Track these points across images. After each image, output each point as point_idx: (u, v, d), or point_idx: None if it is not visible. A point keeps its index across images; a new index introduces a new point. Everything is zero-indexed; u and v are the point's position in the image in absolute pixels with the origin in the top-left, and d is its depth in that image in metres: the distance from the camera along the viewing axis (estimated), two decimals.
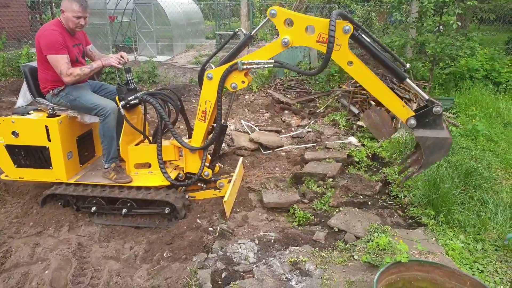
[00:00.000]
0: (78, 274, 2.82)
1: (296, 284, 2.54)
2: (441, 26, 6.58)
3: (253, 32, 3.18)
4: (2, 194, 3.93)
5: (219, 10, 17.31)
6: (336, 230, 3.19)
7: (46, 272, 2.79)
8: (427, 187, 3.59)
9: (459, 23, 5.85)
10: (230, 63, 3.11)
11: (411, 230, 3.18)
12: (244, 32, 3.31)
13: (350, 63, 2.79)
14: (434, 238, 3.04)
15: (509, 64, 7.95)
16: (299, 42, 2.92)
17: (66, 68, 3.26)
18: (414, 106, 6.09)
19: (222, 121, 3.40)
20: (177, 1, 14.39)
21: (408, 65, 2.89)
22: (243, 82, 3.16)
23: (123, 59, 3.53)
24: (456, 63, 7.70)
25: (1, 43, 9.24)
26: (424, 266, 2.40)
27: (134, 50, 12.98)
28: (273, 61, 3.02)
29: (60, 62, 3.26)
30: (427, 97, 2.81)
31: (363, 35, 2.74)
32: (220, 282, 2.59)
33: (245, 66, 3.05)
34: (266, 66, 3.05)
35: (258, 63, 3.03)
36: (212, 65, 3.31)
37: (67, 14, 3.32)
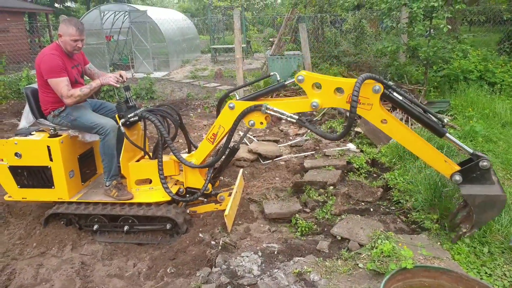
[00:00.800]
0: None
1: None
2: (432, 30, 6.68)
3: (287, 82, 3.18)
4: (5, 216, 3.94)
5: (213, 25, 17.51)
6: (339, 238, 3.19)
7: None
8: (428, 191, 3.60)
9: (449, 27, 5.93)
10: (256, 103, 3.13)
11: (415, 235, 3.17)
12: (278, 78, 3.33)
13: (384, 121, 2.81)
14: (439, 243, 3.02)
15: (503, 64, 8.02)
16: (329, 104, 2.98)
17: (66, 90, 3.31)
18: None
19: (235, 144, 3.55)
20: (172, 18, 14.58)
21: (446, 120, 2.87)
22: (261, 123, 3.18)
23: (121, 78, 3.58)
24: (449, 66, 7.78)
25: (2, 67, 9.32)
26: (431, 272, 2.39)
27: (131, 67, 13.11)
28: (297, 117, 3.04)
29: (61, 85, 3.31)
30: (471, 151, 2.77)
31: (394, 94, 2.77)
32: None
33: (268, 111, 3.07)
34: (289, 119, 3.06)
35: (282, 114, 3.04)
36: (237, 95, 3.36)
37: (65, 38, 3.38)
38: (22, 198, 3.67)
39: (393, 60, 7.59)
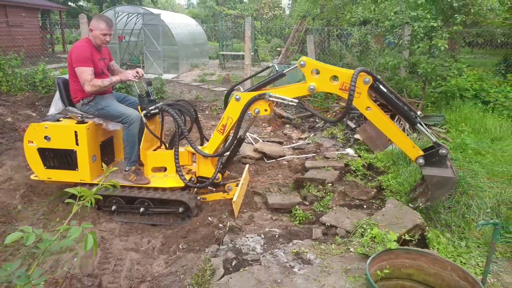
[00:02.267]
0: (103, 262, 3.15)
1: (299, 270, 2.88)
2: (431, 48, 7.08)
3: (285, 71, 3.61)
4: (29, 195, 4.29)
5: (222, 32, 18.00)
6: (328, 225, 3.54)
7: (75, 259, 3.12)
8: None
9: (447, 46, 6.34)
10: (259, 92, 3.53)
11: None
12: (277, 68, 3.75)
13: (368, 108, 3.28)
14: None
15: (497, 85, 8.44)
16: (324, 88, 3.40)
17: (89, 79, 3.68)
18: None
19: (241, 135, 3.85)
20: (183, 22, 15.07)
21: (419, 113, 3.40)
22: (266, 110, 3.57)
23: (138, 74, 3.96)
24: (447, 83, 8.19)
25: (20, 60, 9.73)
26: (411, 254, 2.74)
27: (141, 68, 13.54)
28: (297, 100, 3.46)
29: (85, 73, 3.68)
30: (434, 140, 3.28)
31: (381, 86, 3.23)
32: (231, 269, 2.92)
33: (271, 98, 3.47)
34: (290, 103, 3.49)
35: (283, 99, 3.46)
36: (241, 88, 3.74)
37: (95, 32, 3.78)
38: (47, 178, 4.03)
39: (394, 74, 8.00)
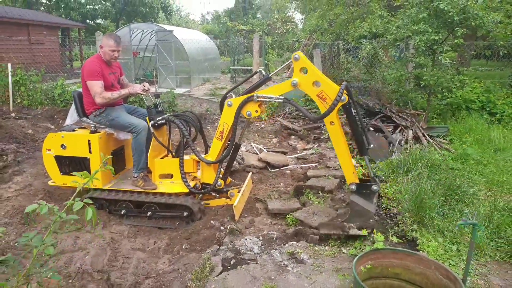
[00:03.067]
0: (112, 260, 3.39)
1: (292, 269, 3.05)
2: (439, 60, 7.23)
3: (270, 74, 3.87)
4: (47, 200, 4.58)
5: (234, 47, 18.45)
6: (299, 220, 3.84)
7: (87, 257, 3.37)
8: (412, 199, 4.09)
9: (447, 59, 6.49)
10: (248, 95, 3.78)
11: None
12: (264, 73, 4.00)
13: (332, 123, 3.52)
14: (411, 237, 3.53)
15: (505, 97, 8.50)
16: (304, 88, 3.59)
17: (100, 91, 3.99)
18: (410, 132, 6.67)
19: (237, 140, 4.03)
20: (195, 38, 15.56)
21: (371, 146, 3.71)
22: (256, 111, 3.80)
23: (145, 88, 4.25)
24: (453, 95, 8.30)
25: (40, 76, 10.25)
26: (398, 254, 2.89)
27: (155, 82, 14.01)
28: (282, 97, 3.69)
29: (95, 86, 4.00)
30: (372, 174, 3.58)
31: (352, 109, 3.46)
32: (229, 267, 3.12)
33: (259, 99, 3.71)
34: (276, 100, 3.71)
35: (270, 98, 3.69)
36: (233, 95, 3.99)
37: (105, 48, 4.11)
38: (63, 184, 4.33)
39: (399, 87, 8.15)
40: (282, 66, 4.06)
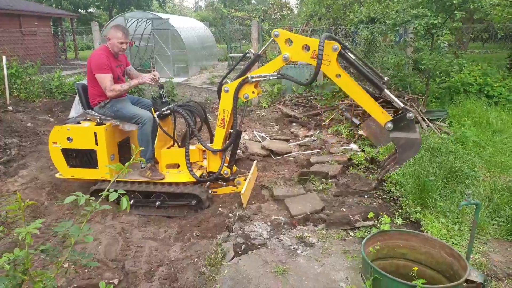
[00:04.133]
0: (125, 249, 3.47)
1: (302, 252, 3.15)
2: (437, 44, 7.27)
3: (260, 51, 3.90)
4: (54, 192, 4.65)
5: (231, 34, 18.32)
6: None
7: (100, 247, 3.45)
8: (414, 181, 4.19)
9: (446, 43, 6.53)
10: (242, 78, 3.81)
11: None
12: (253, 52, 4.03)
13: (338, 75, 3.42)
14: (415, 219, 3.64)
15: (502, 79, 8.57)
16: (297, 58, 3.58)
17: (110, 85, 4.02)
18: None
19: (238, 127, 4.08)
20: (192, 26, 15.43)
21: (386, 78, 3.50)
22: (253, 92, 3.84)
23: (155, 77, 4.28)
24: (451, 78, 8.36)
25: (36, 68, 10.18)
26: (403, 234, 2.99)
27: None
28: (276, 73, 3.70)
29: (105, 80, 4.02)
30: (402, 105, 3.41)
31: (349, 53, 3.40)
32: (240, 252, 3.22)
33: (254, 79, 3.74)
34: (270, 78, 3.73)
35: (265, 76, 3.72)
36: (228, 81, 4.02)
37: (113, 40, 4.11)
38: (71, 176, 4.38)
39: (398, 71, 8.19)
40: (267, 43, 4.08)
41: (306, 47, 3.48)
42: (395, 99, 3.47)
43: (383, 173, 3.66)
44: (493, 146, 5.82)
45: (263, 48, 4.08)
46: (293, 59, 3.58)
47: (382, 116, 3.43)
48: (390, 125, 3.37)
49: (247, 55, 4.19)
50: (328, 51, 3.32)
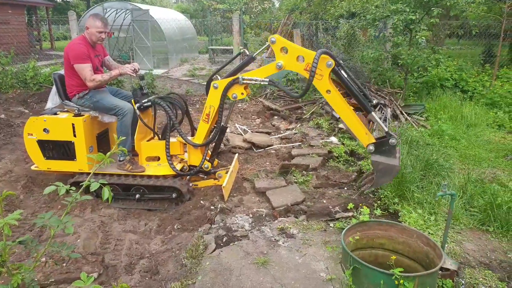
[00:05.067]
0: (104, 243, 3.42)
1: (283, 243, 3.19)
2: (415, 39, 7.42)
3: (254, 54, 3.87)
4: (29, 186, 4.52)
5: (212, 26, 18.14)
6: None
7: (78, 241, 3.39)
8: None
9: (424, 39, 6.67)
10: (233, 77, 3.77)
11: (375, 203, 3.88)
12: (248, 53, 3.99)
13: (328, 91, 3.42)
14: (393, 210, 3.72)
15: (476, 75, 8.84)
16: (290, 67, 3.57)
17: (90, 75, 3.93)
18: (389, 110, 6.87)
19: (223, 123, 4.06)
20: (172, 17, 15.19)
21: (375, 101, 3.54)
22: (242, 93, 3.81)
23: (135, 69, 4.20)
24: (428, 73, 8.56)
25: (10, 58, 9.83)
26: (382, 225, 3.06)
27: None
28: (268, 80, 3.69)
29: (85, 70, 3.92)
30: (386, 129, 3.45)
31: (342, 71, 3.40)
32: (222, 244, 3.22)
33: (244, 81, 3.72)
34: (261, 83, 3.72)
35: (256, 80, 3.70)
36: (219, 77, 3.99)
37: (91, 30, 4.01)
38: (47, 169, 4.27)
39: (377, 66, 8.32)
40: (263, 47, 4.06)
41: (301, 58, 3.48)
42: (381, 123, 3.47)
43: (359, 193, 3.82)
44: (468, 139, 6.00)
45: (257, 52, 4.03)
46: (286, 68, 3.57)
47: (365, 138, 3.46)
48: (371, 147, 3.41)
49: (240, 53, 4.15)
50: (322, 66, 3.32)
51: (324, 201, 3.97)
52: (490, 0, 9.21)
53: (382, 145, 3.39)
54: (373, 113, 3.44)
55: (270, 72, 3.70)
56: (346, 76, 3.42)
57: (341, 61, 3.44)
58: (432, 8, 6.57)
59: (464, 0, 6.81)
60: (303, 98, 8.66)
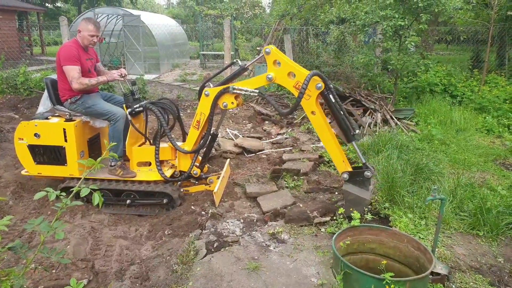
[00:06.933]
0: (95, 248, 3.39)
1: (274, 248, 3.19)
2: (405, 45, 7.53)
3: (246, 65, 3.89)
4: (19, 191, 4.46)
5: (203, 32, 18.19)
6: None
7: (68, 247, 3.35)
8: (384, 178, 4.32)
9: (413, 44, 6.77)
10: (224, 86, 3.79)
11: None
12: (240, 63, 4.00)
13: (313, 112, 3.43)
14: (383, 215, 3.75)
15: (464, 80, 8.98)
16: (280, 81, 3.57)
17: (77, 77, 3.90)
18: (379, 115, 6.93)
19: (213, 130, 4.06)
20: (163, 23, 15.21)
21: (357, 131, 3.52)
22: (232, 103, 3.82)
23: (122, 73, 4.20)
24: (417, 78, 8.67)
25: (0, 63, 9.74)
26: (373, 230, 3.08)
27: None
28: (257, 91, 3.70)
29: (73, 71, 3.90)
30: (364, 161, 3.47)
31: (331, 96, 3.37)
32: (213, 249, 3.21)
33: (235, 91, 3.72)
34: (251, 94, 3.72)
35: (246, 90, 3.70)
36: (211, 84, 4.00)
37: (83, 33, 4.00)
38: (38, 173, 4.23)
39: (367, 71, 8.42)
40: (256, 58, 4.08)
41: (292, 75, 3.47)
42: (360, 154, 3.48)
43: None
44: (457, 144, 6.08)
45: (249, 63, 4.04)
46: (276, 81, 3.57)
47: (342, 165, 3.49)
48: (346, 176, 3.44)
49: (234, 63, 4.16)
50: (311, 87, 3.32)
51: (301, 205, 3.93)
52: (477, 7, 9.40)
53: (357, 175, 3.42)
54: (353, 142, 3.45)
55: (260, 84, 3.71)
56: (334, 101, 3.40)
57: (331, 85, 3.42)
58: (421, 14, 6.68)
59: (451, 7, 6.93)
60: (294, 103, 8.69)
